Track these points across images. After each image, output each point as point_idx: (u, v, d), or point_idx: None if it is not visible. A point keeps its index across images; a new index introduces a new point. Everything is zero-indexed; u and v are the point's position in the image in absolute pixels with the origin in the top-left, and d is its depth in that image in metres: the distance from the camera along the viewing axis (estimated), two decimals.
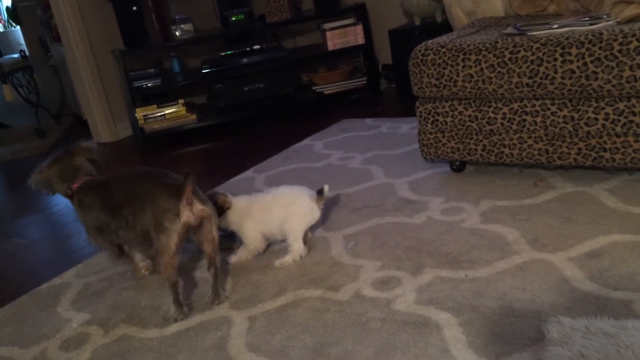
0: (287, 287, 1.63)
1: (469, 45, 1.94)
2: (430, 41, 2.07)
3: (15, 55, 4.65)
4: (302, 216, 1.76)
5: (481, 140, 2.02)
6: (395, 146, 2.64)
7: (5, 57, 4.70)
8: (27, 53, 4.71)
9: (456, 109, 2.03)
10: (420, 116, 2.13)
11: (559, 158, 1.89)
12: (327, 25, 3.60)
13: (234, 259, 1.83)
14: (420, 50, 2.04)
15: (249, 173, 2.67)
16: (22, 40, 5.50)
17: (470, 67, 1.92)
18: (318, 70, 3.82)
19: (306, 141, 3.01)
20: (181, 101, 3.56)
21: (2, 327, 1.71)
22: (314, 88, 3.72)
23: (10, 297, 1.89)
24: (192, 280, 1.76)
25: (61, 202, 2.84)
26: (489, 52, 1.89)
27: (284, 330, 1.43)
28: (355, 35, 3.60)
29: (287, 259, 1.75)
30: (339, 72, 3.73)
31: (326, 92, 3.68)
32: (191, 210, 1.51)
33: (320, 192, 1.79)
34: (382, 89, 3.83)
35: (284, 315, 1.50)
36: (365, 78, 3.69)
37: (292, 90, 3.66)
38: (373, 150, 2.65)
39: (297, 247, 1.76)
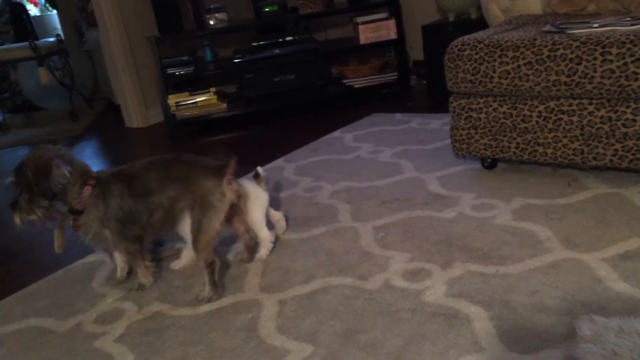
0: (316, 274, 1.65)
1: (506, 42, 1.93)
2: (467, 36, 2.06)
3: (52, 39, 4.74)
4: (253, 204, 1.78)
5: (515, 138, 2.01)
6: (425, 141, 2.64)
7: (42, 40, 4.79)
8: (62, 37, 4.79)
9: (491, 106, 2.02)
10: (454, 111, 2.13)
11: (595, 159, 1.87)
12: (360, 19, 3.60)
13: (178, 264, 1.83)
14: (456, 45, 2.04)
15: (279, 162, 2.70)
16: (58, 25, 5.61)
17: (507, 63, 1.91)
18: (349, 63, 3.82)
19: (336, 133, 3.02)
20: (212, 89, 3.60)
21: (38, 300, 1.76)
22: (344, 81, 3.73)
23: (46, 272, 1.95)
24: (225, 264, 1.79)
25: None
26: (527, 49, 1.88)
27: (314, 315, 1.45)
28: (387, 30, 3.60)
29: (263, 251, 1.78)
30: (369, 66, 3.73)
31: (356, 86, 3.69)
32: (232, 190, 1.58)
33: (256, 176, 1.84)
34: (413, 84, 3.82)
35: (314, 301, 1.52)
36: (396, 73, 3.68)
37: (322, 83, 3.67)
38: (403, 144, 2.66)
39: (263, 235, 1.79)
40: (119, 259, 1.79)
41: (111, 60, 3.86)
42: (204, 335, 1.44)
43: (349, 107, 3.56)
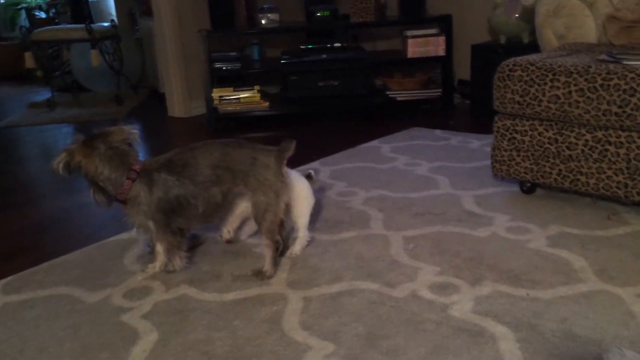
0: (344, 276, 1.65)
1: (559, 67, 1.92)
2: (519, 57, 2.05)
3: (106, 24, 4.88)
4: (303, 199, 1.79)
5: (557, 165, 1.99)
6: (464, 160, 2.62)
7: (97, 24, 4.94)
8: (116, 23, 4.93)
9: (536, 129, 2.00)
10: (497, 132, 2.11)
11: (638, 194, 1.83)
12: (409, 33, 3.61)
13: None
14: (507, 65, 2.02)
15: (315, 164, 2.71)
16: (113, 11, 5.76)
17: (559, 88, 1.89)
18: (394, 75, 3.82)
19: (374, 143, 3.02)
20: (257, 87, 3.65)
21: (70, 269, 1.81)
22: (387, 93, 3.73)
23: (79, 244, 2.00)
24: (254, 255, 1.81)
25: None
26: (580, 76, 1.86)
27: (338, 315, 1.46)
28: (436, 46, 3.60)
29: (297, 247, 1.80)
30: (414, 80, 3.73)
31: (398, 98, 3.69)
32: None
33: (309, 177, 1.86)
34: (455, 103, 3.80)
35: (339, 301, 1.52)
36: (440, 90, 3.67)
37: (365, 92, 3.69)
38: (441, 160, 2.64)
39: (303, 232, 1.80)
40: (161, 253, 1.72)
41: (162, 50, 3.95)
42: (228, 322, 1.46)
43: (389, 119, 3.56)
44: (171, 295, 1.60)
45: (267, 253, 1.67)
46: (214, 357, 1.32)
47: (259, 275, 1.66)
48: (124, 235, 2.03)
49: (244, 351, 1.34)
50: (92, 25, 4.56)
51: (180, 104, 4.00)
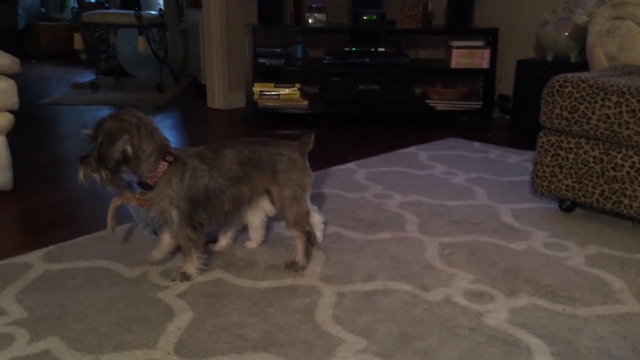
0: (378, 275, 1.66)
1: (612, 86, 1.89)
2: (570, 74, 2.03)
3: (154, 12, 4.98)
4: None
5: (601, 185, 1.96)
6: (502, 173, 2.61)
7: (146, 11, 5.04)
8: (164, 12, 5.03)
9: (582, 147, 1.98)
10: (541, 147, 2.09)
11: None
12: (455, 43, 3.59)
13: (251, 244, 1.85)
14: (558, 81, 2.01)
15: (350, 165, 2.72)
16: (161, 0, 5.87)
17: (609, 107, 1.87)
18: (434, 84, 3.82)
19: (411, 149, 3.02)
20: (297, 85, 3.68)
21: (110, 244, 1.85)
22: (426, 101, 3.73)
23: (121, 221, 2.02)
24: (288, 247, 1.83)
25: None
26: (633, 97, 1.83)
27: (371, 313, 1.46)
28: (481, 59, 3.58)
29: (319, 234, 1.83)
30: (455, 91, 3.72)
31: (438, 108, 3.68)
32: None
33: None
34: (494, 117, 3.77)
35: (373, 300, 1.53)
36: (480, 103, 3.65)
37: (404, 99, 3.69)
38: (478, 172, 2.63)
39: (315, 219, 1.81)
40: (166, 244, 1.68)
41: (208, 41, 4.01)
42: (261, 309, 1.48)
43: (427, 127, 3.55)
44: (207, 278, 1.63)
45: (299, 244, 1.69)
46: (247, 341, 1.34)
47: (292, 266, 1.68)
48: None
49: (276, 338, 1.35)
50: (141, 12, 4.65)
51: (220, 95, 4.06)
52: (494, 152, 2.96)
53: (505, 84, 3.76)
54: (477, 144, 3.13)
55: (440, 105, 3.68)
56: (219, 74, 4.01)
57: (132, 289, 1.58)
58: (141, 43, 4.52)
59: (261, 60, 3.66)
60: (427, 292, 1.57)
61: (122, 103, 4.28)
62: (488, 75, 3.63)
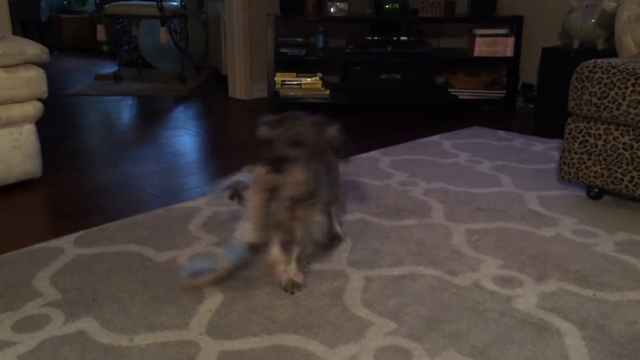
0: (405, 261, 1.66)
1: None
2: (600, 60, 2.00)
3: (175, 3, 5.01)
4: None
5: (630, 172, 1.93)
6: (527, 161, 2.58)
7: (167, 2, 5.07)
8: (185, 3, 5.06)
9: (611, 134, 1.95)
10: (569, 133, 2.07)
11: None
12: (478, 31, 3.56)
13: None
14: (587, 67, 1.98)
15: (374, 154, 2.72)
16: None
17: None
18: (458, 73, 3.79)
19: (434, 138, 3.01)
20: (319, 74, 3.68)
21: (139, 230, 1.88)
22: (449, 90, 3.70)
23: (148, 208, 2.07)
24: None
25: (187, 141, 3.05)
26: None
27: (400, 297, 1.47)
28: (505, 47, 3.54)
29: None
30: (478, 79, 3.69)
31: (460, 97, 3.65)
32: None
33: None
34: (518, 106, 3.74)
35: (400, 284, 1.53)
36: (504, 91, 3.62)
37: (426, 88, 3.67)
38: (503, 160, 2.61)
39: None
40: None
41: (230, 31, 4.02)
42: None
43: (450, 116, 3.53)
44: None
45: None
46: (277, 323, 1.36)
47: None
48: (188, 203, 2.10)
49: (306, 320, 1.37)
50: (163, 3, 4.69)
51: (241, 85, 4.08)
52: (518, 141, 2.93)
53: (529, 73, 3.72)
54: (500, 133, 3.10)
55: (463, 94, 3.65)
56: (240, 64, 4.03)
57: (162, 272, 1.60)
58: (163, 34, 4.56)
59: (283, 50, 3.67)
60: (455, 277, 1.57)
61: (145, 94, 4.33)
62: (512, 64, 3.59)
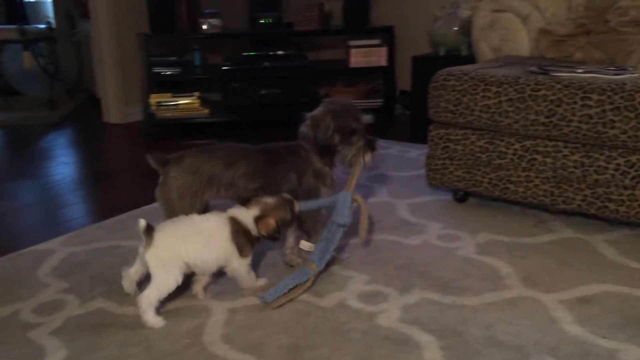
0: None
1: (491, 77, 1.94)
2: (453, 68, 2.07)
3: (42, 26, 4.68)
4: None
5: (488, 173, 2.01)
6: (401, 168, 2.63)
7: (32, 25, 4.73)
8: (53, 25, 4.74)
9: (468, 138, 2.02)
10: (432, 140, 2.12)
11: (564, 202, 1.87)
12: (352, 43, 3.62)
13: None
14: (442, 75, 2.04)
15: None
16: (50, 13, 5.55)
17: (489, 98, 1.92)
18: (336, 85, 3.82)
19: None
20: (197, 94, 3.57)
21: None
22: None
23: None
24: None
25: (60, 173, 2.83)
26: (510, 86, 1.88)
27: (263, 327, 1.40)
28: (378, 57, 3.62)
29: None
30: (356, 89, 3.74)
31: None
32: None
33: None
34: (397, 113, 3.83)
35: (265, 313, 1.47)
36: (381, 100, 3.69)
37: (306, 101, 3.66)
38: (379, 169, 2.64)
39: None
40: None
41: (98, 52, 3.80)
42: (144, 337, 1.37)
43: None
44: (85, 310, 1.50)
45: None
46: None
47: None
48: (40, 246, 1.91)
49: None
50: (26, 26, 4.36)
51: (115, 109, 3.86)
52: (395, 148, 2.99)
53: (405, 80, 3.83)
54: (379, 141, 3.14)
55: None
56: (112, 86, 3.82)
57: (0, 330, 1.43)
58: (26, 59, 4.24)
59: (156, 69, 3.51)
60: (321, 298, 1.53)
61: (9, 124, 3.99)
62: (387, 73, 3.68)
